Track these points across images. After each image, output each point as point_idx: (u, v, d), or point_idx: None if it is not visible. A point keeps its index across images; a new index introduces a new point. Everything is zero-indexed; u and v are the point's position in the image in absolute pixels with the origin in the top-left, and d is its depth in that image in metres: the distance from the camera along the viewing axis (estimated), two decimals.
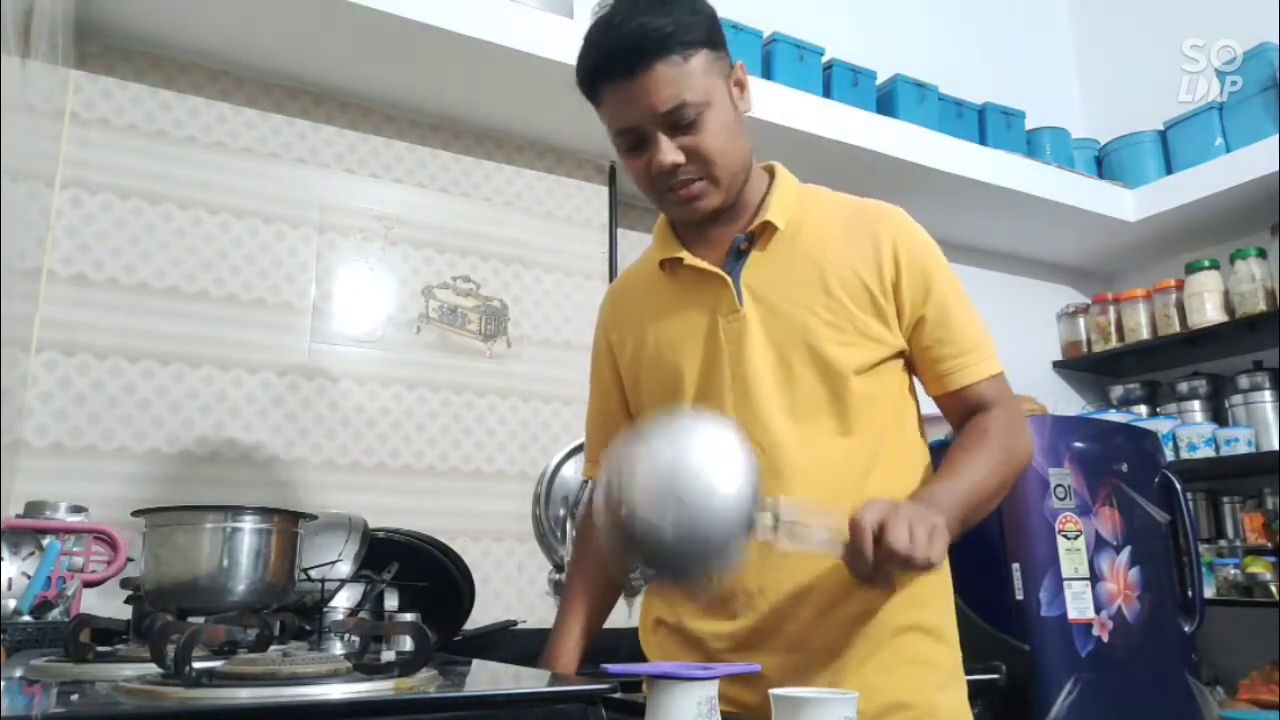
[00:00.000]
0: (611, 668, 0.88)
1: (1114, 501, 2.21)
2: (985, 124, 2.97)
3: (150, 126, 2.05)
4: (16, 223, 1.41)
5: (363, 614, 1.48)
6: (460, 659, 1.45)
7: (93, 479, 1.84)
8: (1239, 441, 2.84)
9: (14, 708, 0.80)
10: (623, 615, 2.34)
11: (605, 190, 2.60)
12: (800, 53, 2.61)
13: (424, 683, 0.96)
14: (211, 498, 1.88)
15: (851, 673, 1.10)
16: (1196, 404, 3.09)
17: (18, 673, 1.06)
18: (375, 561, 1.54)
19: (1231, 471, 2.93)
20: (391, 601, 1.55)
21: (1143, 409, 3.24)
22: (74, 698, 0.89)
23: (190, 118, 2.10)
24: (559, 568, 2.28)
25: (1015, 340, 3.25)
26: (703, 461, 0.84)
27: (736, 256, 1.19)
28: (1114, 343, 3.27)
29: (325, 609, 1.34)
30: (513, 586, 2.24)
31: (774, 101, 2.42)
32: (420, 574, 1.62)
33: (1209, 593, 2.66)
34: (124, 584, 1.40)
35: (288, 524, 1.18)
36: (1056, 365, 3.43)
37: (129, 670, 1.01)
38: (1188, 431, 2.95)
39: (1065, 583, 2.07)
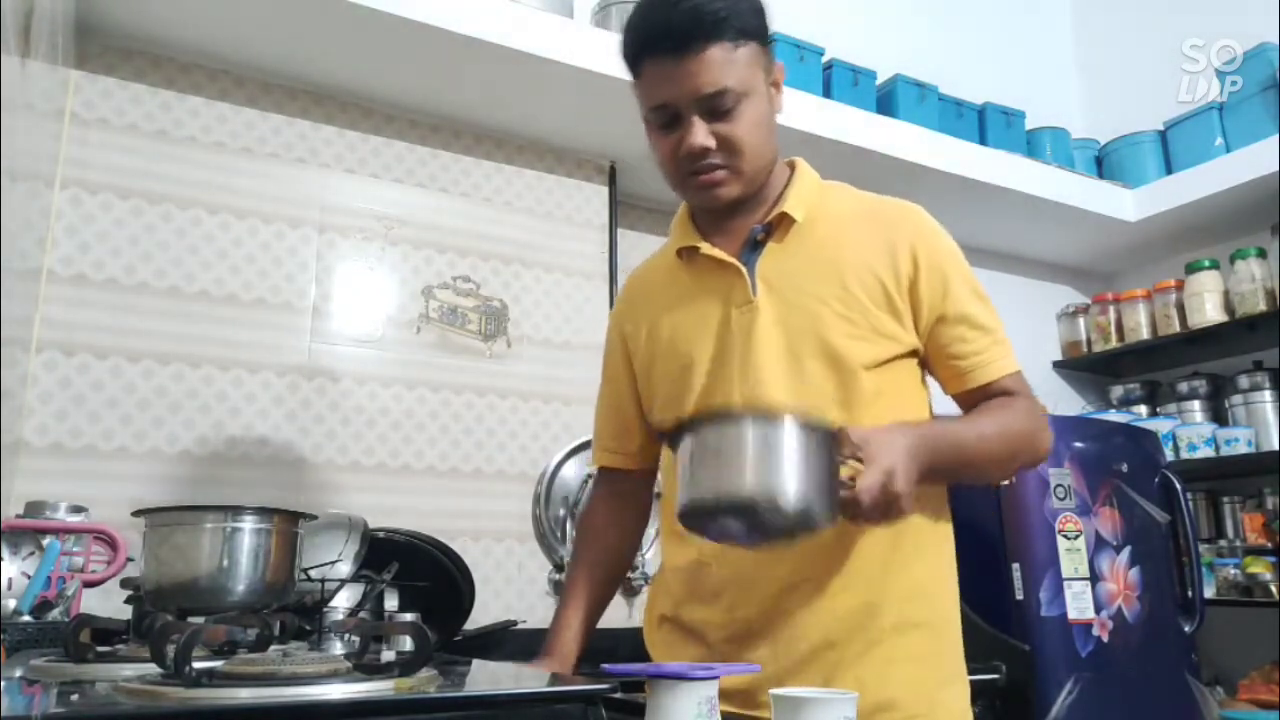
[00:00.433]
0: (611, 668, 0.88)
1: (1114, 501, 2.21)
2: (985, 124, 2.97)
3: (150, 126, 2.05)
4: (16, 223, 1.41)
5: (363, 614, 1.48)
6: (460, 659, 1.45)
7: (93, 479, 1.84)
8: (1239, 441, 2.84)
9: (14, 708, 0.80)
10: (622, 615, 2.35)
11: (605, 190, 2.60)
12: (800, 53, 2.61)
13: (424, 683, 0.96)
14: (211, 498, 1.88)
15: (847, 668, 1.09)
16: (1196, 404, 3.09)
17: (18, 673, 1.06)
18: (375, 561, 1.54)
19: (1231, 471, 2.93)
20: (391, 601, 1.55)
21: (1143, 409, 3.24)
22: (74, 698, 0.89)
23: (190, 118, 2.10)
24: (559, 568, 2.28)
25: (1015, 340, 3.23)
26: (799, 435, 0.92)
27: (753, 247, 1.19)
28: (1114, 343, 3.27)
29: (325, 609, 1.34)
30: (513, 586, 2.24)
31: None
32: (420, 574, 1.62)
33: (1209, 593, 2.66)
34: (124, 584, 1.39)
35: (288, 524, 1.18)
36: (1056, 365, 3.43)
37: (129, 670, 1.01)
38: (1188, 431, 2.95)
39: (1065, 583, 2.07)
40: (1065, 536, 2.10)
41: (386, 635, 1.27)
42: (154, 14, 1.97)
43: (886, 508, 0.96)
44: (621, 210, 2.63)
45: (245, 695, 0.85)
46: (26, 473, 1.78)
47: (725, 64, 1.08)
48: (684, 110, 1.11)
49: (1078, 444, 2.22)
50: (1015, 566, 2.08)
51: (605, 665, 0.89)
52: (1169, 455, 2.79)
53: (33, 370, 1.84)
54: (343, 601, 1.46)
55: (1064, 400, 3.31)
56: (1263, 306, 2.84)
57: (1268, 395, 2.88)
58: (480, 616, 2.03)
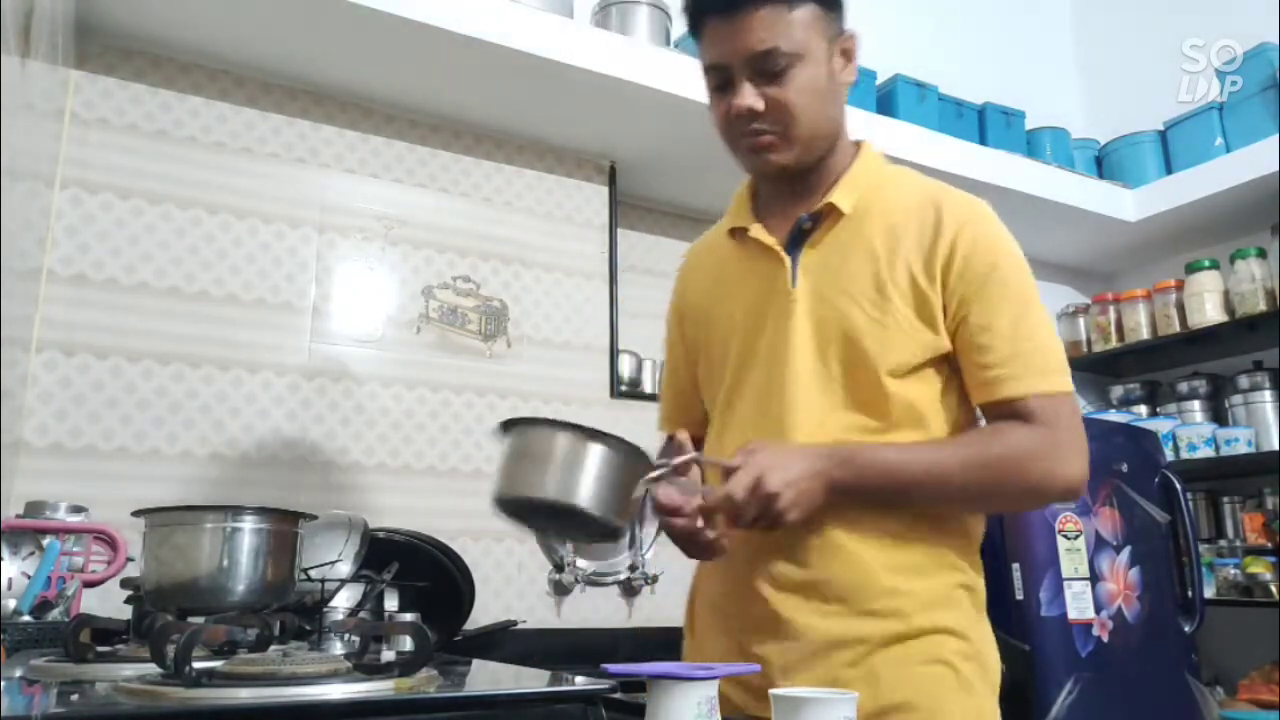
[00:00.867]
0: (611, 668, 0.88)
1: (1114, 501, 2.21)
2: (985, 124, 2.97)
3: (150, 126, 2.05)
4: (16, 223, 1.41)
5: (363, 614, 1.48)
6: (460, 659, 1.45)
7: (92, 479, 1.84)
8: (1239, 441, 2.84)
9: (14, 708, 0.80)
10: (622, 615, 2.35)
11: (605, 190, 2.60)
12: None
13: (424, 683, 0.96)
14: (211, 498, 1.89)
15: (860, 668, 1.06)
16: (1196, 404, 3.09)
17: (18, 673, 1.06)
18: (375, 561, 1.54)
19: (1231, 471, 2.93)
20: (391, 601, 1.55)
21: (1143, 409, 3.24)
22: (74, 698, 0.89)
23: (190, 118, 2.10)
24: (559, 567, 2.28)
25: None
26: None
27: (800, 235, 1.16)
28: (1114, 343, 3.27)
29: (325, 609, 1.34)
30: (513, 586, 2.24)
31: None
32: (420, 574, 1.62)
33: (1209, 593, 2.66)
34: (124, 584, 1.39)
35: (288, 524, 1.18)
36: None
37: (129, 670, 1.01)
38: (1188, 431, 2.94)
39: (1065, 583, 2.07)
40: (1065, 536, 2.10)
41: (386, 635, 1.27)
42: (154, 14, 1.97)
43: (760, 507, 0.98)
44: (621, 210, 2.63)
45: (245, 695, 0.85)
46: (26, 473, 1.78)
47: (777, 24, 1.06)
48: (735, 71, 1.09)
49: None
50: (1015, 566, 2.08)
51: (605, 665, 0.89)
52: (1169, 455, 2.79)
53: (33, 370, 1.84)
54: (343, 601, 1.46)
55: None
56: (1263, 306, 2.84)
57: (1268, 395, 2.88)
58: (480, 616, 2.03)
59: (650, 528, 2.13)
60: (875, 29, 3.24)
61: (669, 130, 2.38)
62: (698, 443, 1.28)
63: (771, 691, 0.82)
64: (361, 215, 2.26)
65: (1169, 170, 3.12)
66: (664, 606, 2.37)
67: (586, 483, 0.99)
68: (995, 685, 1.14)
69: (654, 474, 1.04)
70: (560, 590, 2.29)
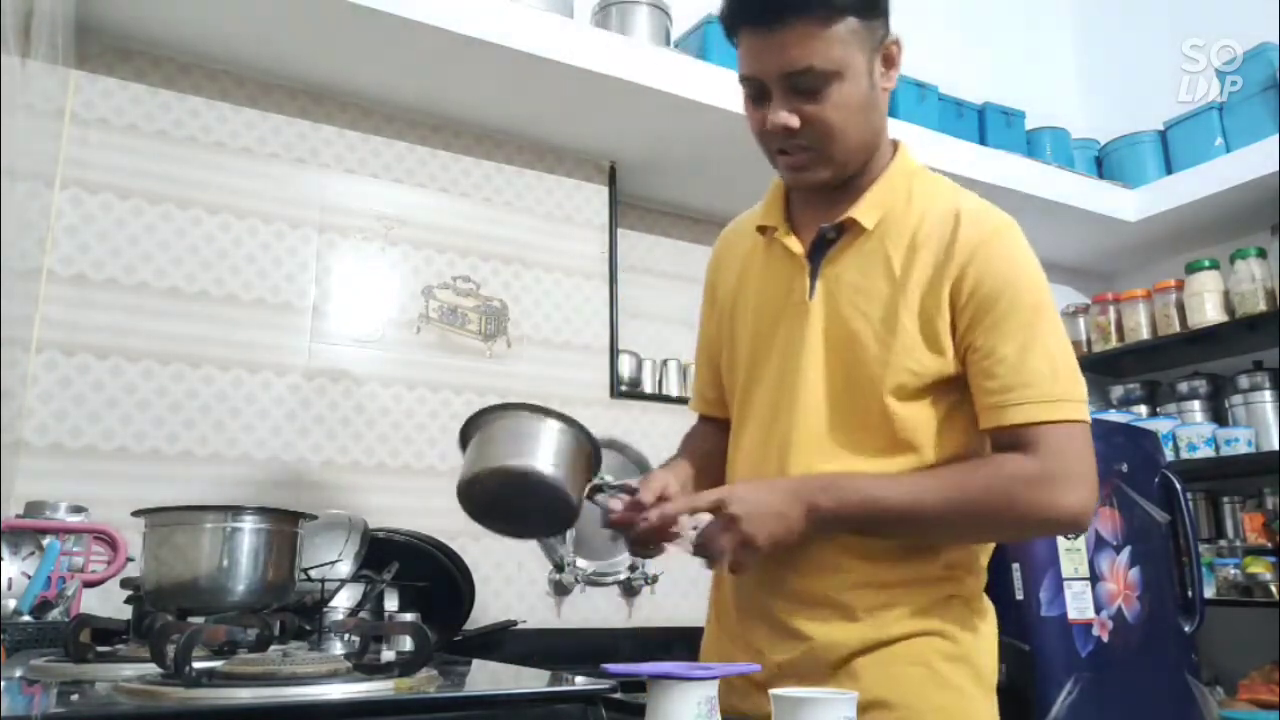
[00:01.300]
0: (611, 668, 0.88)
1: (1114, 501, 2.21)
2: (985, 124, 2.97)
3: (150, 126, 2.05)
4: (16, 223, 1.41)
5: (363, 614, 1.48)
6: (460, 659, 1.45)
7: (93, 479, 1.84)
8: (1239, 441, 2.84)
9: (14, 708, 0.80)
10: (622, 615, 2.35)
11: (605, 190, 2.60)
12: None
13: (424, 683, 0.97)
14: (211, 498, 1.89)
15: (843, 666, 1.08)
16: (1196, 404, 3.09)
17: (18, 673, 1.06)
18: (375, 561, 1.54)
19: (1231, 471, 2.93)
20: (391, 601, 1.55)
21: (1143, 409, 3.24)
22: (74, 698, 0.89)
23: (190, 118, 2.10)
24: (559, 567, 2.28)
25: None
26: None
27: (824, 244, 1.15)
28: (1114, 343, 3.26)
29: (325, 609, 1.34)
30: (513, 586, 2.24)
31: None
32: (420, 574, 1.62)
33: (1209, 593, 2.66)
34: (124, 584, 1.39)
35: (288, 524, 1.18)
36: None
37: (129, 670, 1.01)
38: (1188, 431, 2.94)
39: (1065, 583, 2.07)
40: (1065, 536, 2.10)
41: (386, 635, 1.28)
42: (154, 14, 1.97)
43: (737, 543, 0.99)
44: (621, 210, 2.63)
45: (245, 695, 0.85)
46: (26, 473, 1.78)
47: (814, 41, 1.02)
48: (770, 85, 1.06)
49: None
50: (1015, 566, 2.08)
51: (605, 665, 0.89)
52: (1169, 455, 2.79)
53: (33, 370, 1.84)
54: (343, 601, 1.46)
55: None
56: (1263, 306, 2.84)
57: (1268, 395, 2.88)
58: (480, 616, 2.03)
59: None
60: None
61: (669, 130, 2.38)
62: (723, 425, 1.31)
63: (772, 691, 0.82)
64: (361, 215, 2.26)
65: (1169, 170, 3.12)
66: (664, 606, 2.37)
67: (543, 451, 1.03)
68: (990, 687, 1.14)
69: (594, 482, 1.08)
70: (560, 590, 2.29)
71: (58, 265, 1.91)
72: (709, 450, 1.28)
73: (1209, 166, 2.94)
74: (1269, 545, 2.74)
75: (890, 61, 1.10)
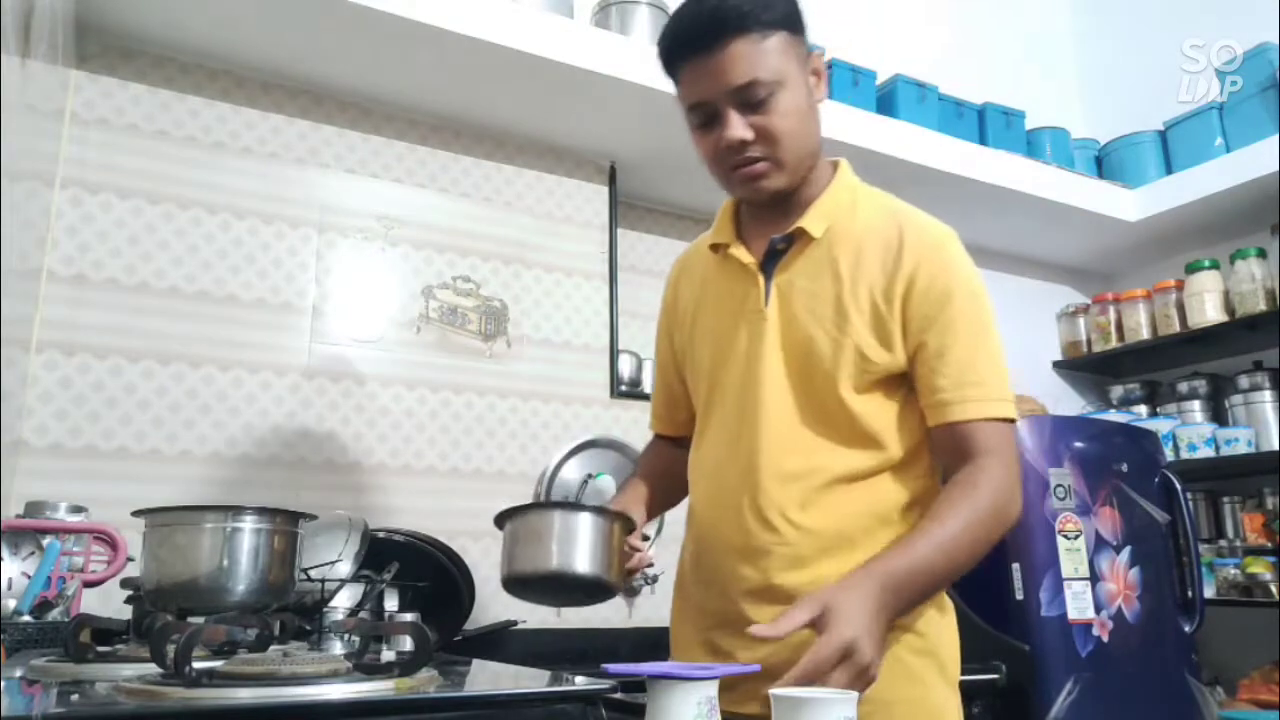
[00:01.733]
0: (611, 668, 0.88)
1: (1114, 501, 2.21)
2: (985, 124, 2.97)
3: (150, 126, 2.05)
4: (16, 223, 1.41)
5: (363, 614, 1.48)
6: (460, 659, 1.45)
7: (93, 479, 1.84)
8: (1239, 441, 2.84)
9: (14, 708, 0.80)
10: (622, 615, 2.35)
11: (605, 190, 2.60)
12: None
13: (424, 683, 0.97)
14: (211, 498, 1.89)
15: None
16: (1196, 404, 3.09)
17: (18, 673, 1.06)
18: (375, 561, 1.54)
19: (1231, 471, 2.93)
20: (391, 601, 1.55)
21: (1143, 409, 3.24)
22: (74, 698, 0.89)
23: (190, 118, 2.10)
24: None
25: (1015, 340, 3.22)
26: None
27: (775, 255, 1.21)
28: (1114, 343, 3.27)
29: (325, 609, 1.34)
30: None
31: None
32: (420, 574, 1.62)
33: (1209, 593, 2.66)
34: (124, 584, 1.39)
35: (288, 524, 1.18)
36: (1056, 365, 3.43)
37: (129, 670, 1.01)
38: (1188, 431, 2.95)
39: (1065, 583, 2.07)
40: (1065, 536, 2.10)
41: (386, 635, 1.28)
42: (154, 14, 1.97)
43: (854, 677, 0.91)
44: (621, 210, 2.63)
45: (245, 695, 0.85)
46: (26, 473, 1.78)
47: (753, 56, 1.09)
48: (719, 106, 1.12)
49: (1078, 444, 2.22)
50: (1015, 566, 2.08)
51: (605, 665, 0.89)
52: (1169, 455, 2.79)
53: (33, 370, 1.84)
54: (343, 601, 1.46)
55: (1064, 400, 3.31)
56: (1263, 306, 2.84)
57: (1268, 395, 2.88)
58: (480, 616, 2.03)
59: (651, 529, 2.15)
60: (875, 29, 3.27)
61: (669, 130, 2.35)
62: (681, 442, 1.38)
63: (772, 691, 0.82)
64: (361, 215, 2.26)
65: (1169, 170, 3.12)
66: (664, 607, 2.35)
67: (581, 550, 1.08)
68: (953, 679, 1.17)
69: (602, 505, 1.19)
70: None
71: (58, 265, 1.91)
72: (663, 469, 1.37)
73: (1209, 166, 2.94)
74: (1269, 545, 2.74)
75: (819, 74, 1.17)
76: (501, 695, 1.05)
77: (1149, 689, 2.14)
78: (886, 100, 2.78)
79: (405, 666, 0.99)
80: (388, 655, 1.19)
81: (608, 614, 2.33)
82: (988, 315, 1.16)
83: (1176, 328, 3.06)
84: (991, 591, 2.08)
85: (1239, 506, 2.96)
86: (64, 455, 1.84)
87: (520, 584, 1.12)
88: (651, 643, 2.15)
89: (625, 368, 2.55)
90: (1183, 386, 3.16)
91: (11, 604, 1.44)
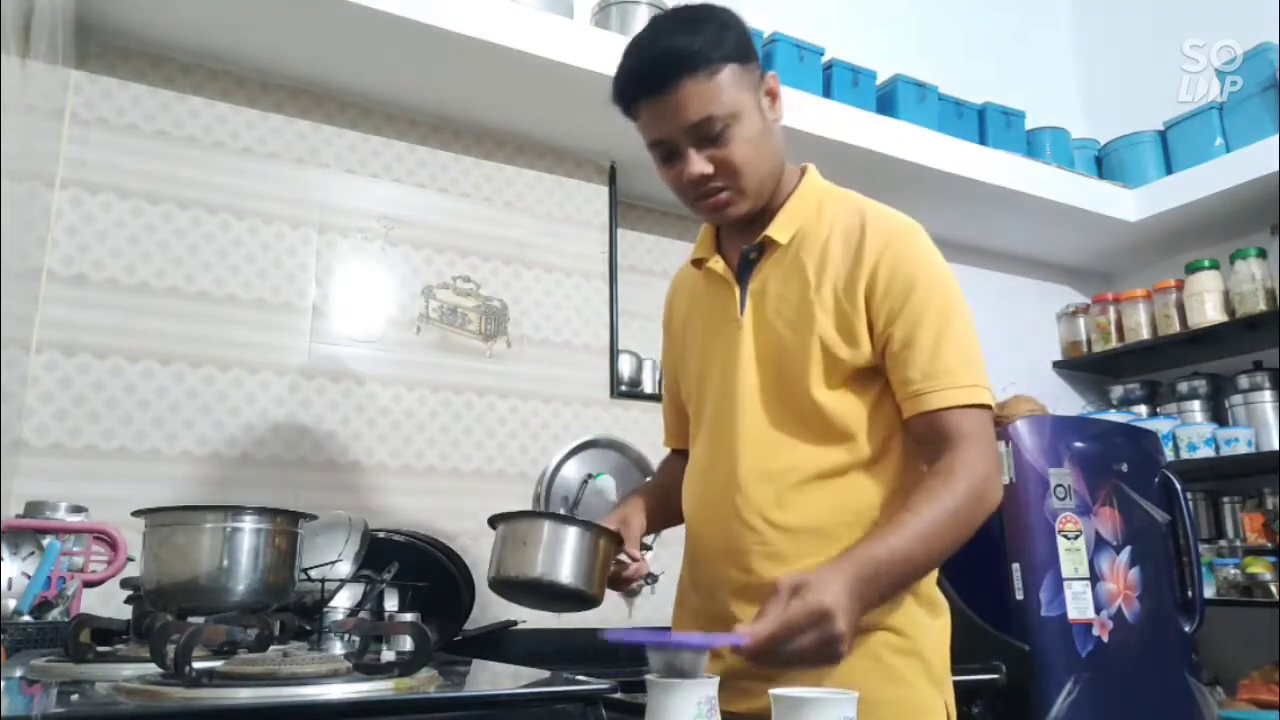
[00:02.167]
0: (610, 633, 0.91)
1: (1114, 501, 2.21)
2: (985, 124, 2.97)
3: (150, 126, 2.05)
4: (16, 223, 1.41)
5: (363, 614, 1.48)
6: (460, 659, 1.45)
7: (93, 479, 1.84)
8: (1239, 441, 2.84)
9: (14, 708, 0.80)
10: (622, 615, 2.35)
11: (605, 190, 2.60)
12: (800, 53, 2.61)
13: (424, 683, 0.97)
14: (211, 498, 1.89)
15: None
16: (1196, 404, 3.10)
17: (18, 673, 1.06)
18: (375, 561, 1.54)
19: (1231, 471, 2.93)
20: (391, 601, 1.55)
21: (1143, 409, 3.24)
22: (74, 698, 0.89)
23: (190, 118, 2.10)
24: None
25: (1015, 340, 3.25)
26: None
27: (748, 265, 1.24)
28: (1114, 343, 3.27)
29: (325, 609, 1.34)
30: None
31: None
32: (420, 574, 1.62)
33: (1209, 593, 2.66)
34: (124, 584, 1.39)
35: (288, 524, 1.18)
36: (1056, 365, 3.43)
37: (129, 670, 1.01)
38: (1188, 431, 2.95)
39: (1065, 583, 2.07)
40: (1065, 536, 2.10)
41: (386, 635, 1.27)
42: (154, 14, 1.97)
43: (823, 643, 0.92)
44: (621, 210, 2.63)
45: (245, 695, 0.85)
46: (26, 473, 1.78)
47: (705, 93, 1.11)
48: (678, 143, 1.15)
49: (1078, 444, 2.22)
50: (1015, 566, 2.08)
51: (604, 631, 0.93)
52: (1169, 455, 2.79)
53: (33, 370, 1.84)
54: (343, 601, 1.46)
55: (1064, 400, 3.31)
56: (1263, 306, 2.84)
57: (1268, 395, 2.88)
58: (480, 616, 2.03)
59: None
60: (875, 29, 3.27)
61: None
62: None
63: (772, 691, 0.82)
64: (361, 215, 2.26)
65: (1169, 170, 3.12)
66: (664, 607, 2.35)
67: (565, 560, 1.12)
68: (939, 679, 1.17)
69: (602, 524, 1.23)
70: None
71: (58, 265, 1.91)
72: (675, 483, 1.37)
73: (1209, 166, 2.94)
74: (1269, 545, 2.74)
75: (774, 95, 1.20)
76: (501, 695, 1.05)
77: (1149, 689, 2.14)
78: (886, 100, 2.78)
79: (405, 666, 0.99)
80: (388, 655, 1.19)
81: (608, 614, 2.32)
82: (954, 303, 1.15)
83: (1176, 328, 3.06)
84: (991, 591, 2.08)
85: (1239, 506, 2.96)
86: (64, 455, 1.84)
87: (505, 586, 1.15)
88: None
89: (625, 368, 2.55)
90: (1183, 386, 3.16)
91: (11, 604, 1.44)
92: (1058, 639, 2.03)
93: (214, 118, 2.13)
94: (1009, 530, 2.10)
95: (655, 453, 2.45)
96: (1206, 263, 3.00)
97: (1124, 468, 2.27)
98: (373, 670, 0.97)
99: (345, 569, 1.45)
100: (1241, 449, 2.83)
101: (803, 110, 2.49)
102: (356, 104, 2.29)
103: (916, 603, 1.17)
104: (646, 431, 2.50)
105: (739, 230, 1.25)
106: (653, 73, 1.13)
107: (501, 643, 2.00)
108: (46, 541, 1.52)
